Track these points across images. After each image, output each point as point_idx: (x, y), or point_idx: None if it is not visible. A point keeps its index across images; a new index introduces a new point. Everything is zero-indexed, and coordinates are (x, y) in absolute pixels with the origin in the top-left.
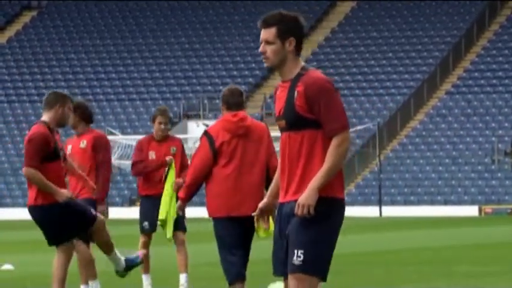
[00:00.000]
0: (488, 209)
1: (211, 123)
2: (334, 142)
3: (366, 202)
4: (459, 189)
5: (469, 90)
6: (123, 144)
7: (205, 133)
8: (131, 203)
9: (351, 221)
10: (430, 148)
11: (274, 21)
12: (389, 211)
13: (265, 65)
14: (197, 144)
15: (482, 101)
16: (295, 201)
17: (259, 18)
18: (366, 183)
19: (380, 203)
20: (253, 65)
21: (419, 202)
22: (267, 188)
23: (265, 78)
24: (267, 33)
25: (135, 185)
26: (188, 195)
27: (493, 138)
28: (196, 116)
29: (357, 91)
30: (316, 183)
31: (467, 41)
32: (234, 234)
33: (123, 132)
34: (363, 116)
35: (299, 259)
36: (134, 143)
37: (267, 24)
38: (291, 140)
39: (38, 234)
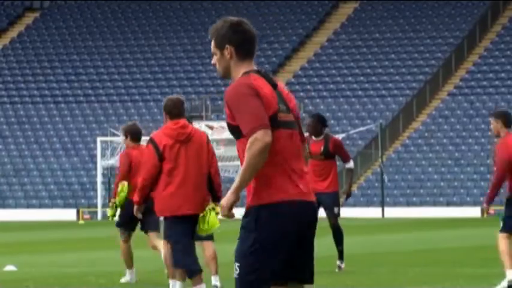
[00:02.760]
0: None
1: (214, 124)
2: (247, 144)
3: (369, 203)
4: (461, 191)
5: (471, 91)
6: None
7: (151, 140)
8: None
9: (354, 222)
10: (432, 149)
11: (212, 32)
12: (391, 212)
13: (267, 66)
14: None
15: (484, 102)
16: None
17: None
18: (368, 184)
19: (382, 204)
20: (255, 66)
21: (421, 203)
22: (210, 190)
23: None
24: (211, 46)
25: None
26: (142, 198)
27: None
28: (199, 117)
29: (360, 92)
30: (234, 185)
31: (469, 42)
32: (179, 232)
33: None
34: (365, 117)
35: (235, 272)
36: None
37: (210, 36)
38: (238, 150)
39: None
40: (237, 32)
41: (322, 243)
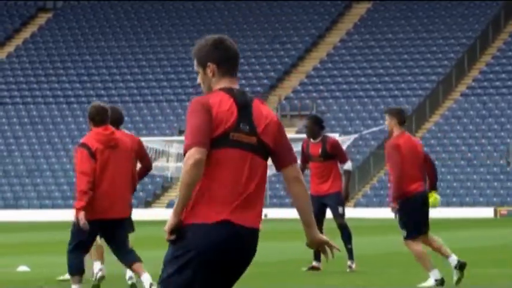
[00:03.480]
0: (503, 210)
1: None
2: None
3: (381, 203)
4: (474, 191)
5: (484, 91)
6: None
7: (83, 144)
8: (147, 205)
9: (366, 222)
10: (445, 150)
11: (194, 51)
12: None
13: (280, 67)
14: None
15: (497, 103)
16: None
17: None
18: (381, 184)
19: None
20: (268, 66)
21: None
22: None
23: (280, 80)
24: (195, 65)
25: (150, 187)
26: (87, 202)
27: (508, 140)
28: None
29: (372, 93)
30: (174, 207)
31: (482, 42)
32: (95, 236)
33: (139, 134)
34: (378, 117)
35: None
36: (149, 145)
37: (192, 56)
38: None
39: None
40: (218, 50)
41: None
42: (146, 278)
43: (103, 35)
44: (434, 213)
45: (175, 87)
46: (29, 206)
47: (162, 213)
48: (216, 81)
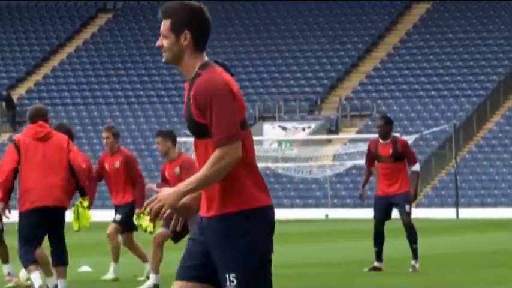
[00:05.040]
0: None
1: (287, 125)
2: (216, 153)
3: (443, 204)
4: None
5: None
6: None
7: (12, 140)
8: None
9: (428, 223)
10: (506, 150)
11: (170, 12)
12: (466, 213)
13: (340, 67)
14: (273, 146)
15: None
16: (206, 218)
17: (334, 20)
18: (443, 185)
19: (457, 205)
20: (329, 66)
21: (496, 204)
22: (76, 186)
23: (340, 80)
24: (163, 26)
25: None
26: (5, 194)
27: None
28: (272, 118)
29: (433, 92)
30: (184, 187)
31: None
32: (36, 226)
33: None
34: (438, 117)
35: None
36: None
37: (163, 16)
38: (198, 148)
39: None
40: (198, 19)
41: (396, 244)
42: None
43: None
44: (498, 213)
45: None
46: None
47: None
48: (192, 53)
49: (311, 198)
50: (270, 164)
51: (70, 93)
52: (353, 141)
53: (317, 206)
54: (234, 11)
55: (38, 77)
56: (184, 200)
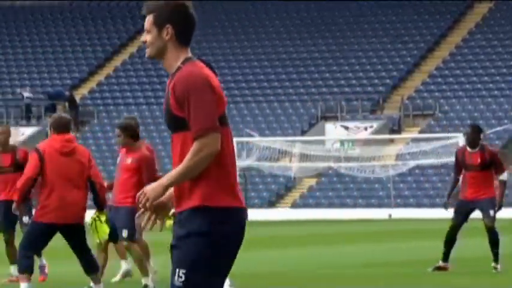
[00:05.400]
0: None
1: (349, 125)
2: (195, 146)
3: (507, 204)
4: None
5: None
6: (261, 146)
7: (36, 149)
8: (270, 205)
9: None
10: None
11: (152, 7)
12: None
13: (402, 66)
14: (335, 146)
15: None
16: (178, 213)
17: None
18: (507, 184)
19: None
20: (391, 66)
21: None
22: (95, 201)
23: (402, 80)
24: (146, 21)
25: (273, 187)
26: (21, 199)
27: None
28: (334, 118)
29: (496, 92)
30: (166, 180)
31: None
32: (48, 238)
33: (261, 134)
34: (502, 116)
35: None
36: (272, 145)
37: (147, 11)
38: (173, 142)
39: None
40: (180, 14)
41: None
42: None
43: (224, 35)
44: None
45: (298, 87)
46: None
47: (286, 214)
48: (174, 48)
49: (374, 198)
50: (332, 164)
51: (132, 93)
52: (416, 140)
53: (380, 205)
54: (296, 10)
55: (100, 77)
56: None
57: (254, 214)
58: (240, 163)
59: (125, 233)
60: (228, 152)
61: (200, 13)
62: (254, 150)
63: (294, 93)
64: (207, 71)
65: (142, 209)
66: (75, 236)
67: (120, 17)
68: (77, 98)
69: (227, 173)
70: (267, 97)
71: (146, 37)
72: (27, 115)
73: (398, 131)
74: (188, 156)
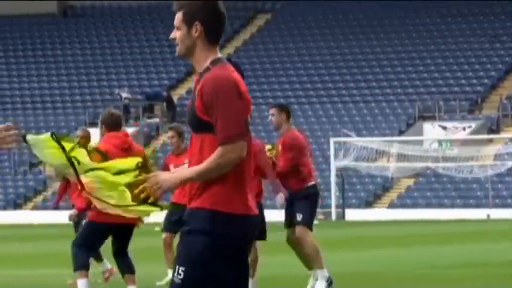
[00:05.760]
0: None
1: (447, 125)
2: (219, 150)
3: None
4: None
5: None
6: (359, 146)
7: (96, 149)
8: (367, 205)
9: None
10: None
11: (181, 4)
12: None
13: (500, 66)
14: (433, 146)
15: None
16: (190, 209)
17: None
18: None
19: None
20: (489, 65)
21: None
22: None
23: (501, 79)
24: (176, 18)
25: (371, 187)
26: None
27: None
28: (432, 118)
29: None
30: (185, 176)
31: None
32: (104, 237)
33: (358, 134)
34: None
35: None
36: (369, 145)
37: (176, 8)
38: (193, 142)
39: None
40: (210, 11)
41: None
42: None
43: (322, 35)
44: None
45: (395, 87)
46: None
47: (384, 214)
48: (203, 47)
49: (472, 199)
50: (430, 164)
51: None
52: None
53: (478, 206)
54: (394, 10)
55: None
56: None
57: (351, 214)
58: (337, 163)
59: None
60: (247, 158)
61: (291, 14)
62: (351, 150)
63: (392, 93)
64: (236, 75)
65: (144, 190)
66: (127, 236)
67: None
68: (175, 98)
69: (242, 179)
70: (365, 97)
71: (176, 34)
72: (125, 116)
73: (497, 130)
74: (211, 158)
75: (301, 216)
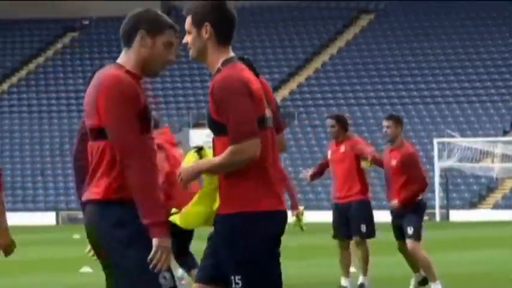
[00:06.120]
0: None
1: None
2: (229, 149)
3: None
4: None
5: None
6: (463, 147)
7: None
8: (471, 206)
9: None
10: None
11: (191, 8)
12: None
13: None
14: None
15: None
16: (217, 215)
17: None
18: None
19: None
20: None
21: None
22: None
23: None
24: (186, 23)
25: (475, 188)
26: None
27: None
28: None
29: None
30: (201, 165)
31: None
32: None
33: (462, 135)
34: None
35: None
36: (473, 146)
37: (186, 13)
38: (215, 146)
39: None
40: (218, 12)
41: None
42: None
43: (425, 36)
44: None
45: (499, 87)
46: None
47: (488, 215)
48: (214, 48)
49: None
50: None
51: (333, 94)
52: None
53: None
54: (499, 10)
55: (300, 78)
56: None
57: (455, 215)
58: (441, 164)
59: (363, 228)
60: (268, 154)
61: (394, 15)
62: (455, 150)
63: (496, 93)
64: (247, 74)
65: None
66: (186, 233)
67: (320, 18)
68: (278, 99)
69: (268, 176)
70: (469, 97)
71: (187, 39)
72: None
73: None
74: (224, 154)
75: (412, 229)
